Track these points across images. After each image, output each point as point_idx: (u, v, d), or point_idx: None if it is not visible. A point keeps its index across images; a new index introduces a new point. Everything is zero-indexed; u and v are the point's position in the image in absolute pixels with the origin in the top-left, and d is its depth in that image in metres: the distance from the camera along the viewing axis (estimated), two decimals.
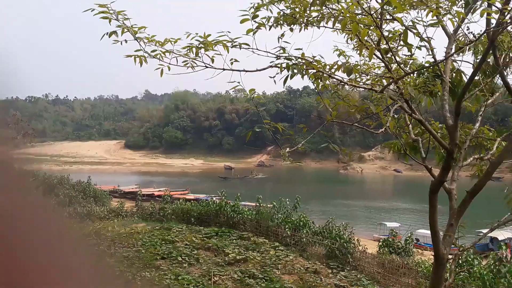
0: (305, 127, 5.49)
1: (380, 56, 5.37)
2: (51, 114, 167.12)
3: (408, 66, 5.89)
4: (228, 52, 4.98)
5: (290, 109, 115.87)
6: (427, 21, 5.26)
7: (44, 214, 0.54)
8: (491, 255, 16.96)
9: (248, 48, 5.02)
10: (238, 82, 4.93)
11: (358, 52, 5.71)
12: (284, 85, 5.45)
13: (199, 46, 4.99)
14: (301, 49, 5.17)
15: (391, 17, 5.28)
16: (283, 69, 5.06)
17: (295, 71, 5.04)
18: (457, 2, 5.38)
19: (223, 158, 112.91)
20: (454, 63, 6.25)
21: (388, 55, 5.39)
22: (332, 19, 5.07)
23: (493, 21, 5.08)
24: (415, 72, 5.79)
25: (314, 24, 5.33)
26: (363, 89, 6.00)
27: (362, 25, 4.75)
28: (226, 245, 20.07)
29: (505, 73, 5.92)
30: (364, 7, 4.73)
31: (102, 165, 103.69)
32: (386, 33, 5.22)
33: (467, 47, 5.96)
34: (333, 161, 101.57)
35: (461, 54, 6.14)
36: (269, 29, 5.38)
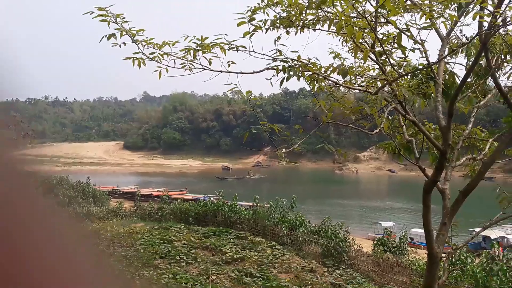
0: (301, 128, 5.55)
1: (375, 58, 5.41)
2: (50, 116, 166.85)
3: (402, 68, 5.93)
4: (225, 55, 5.04)
5: (286, 110, 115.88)
6: (421, 24, 5.32)
7: (52, 215, 0.55)
8: (484, 253, 17.13)
9: (245, 51, 5.08)
10: (235, 84, 4.99)
11: (353, 54, 5.75)
12: (280, 87, 5.51)
13: (197, 48, 5.05)
14: (297, 51, 5.23)
15: (385, 20, 5.33)
16: (279, 71, 5.12)
17: (291, 73, 5.10)
18: (450, 6, 5.45)
19: (221, 158, 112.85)
20: (447, 65, 6.31)
21: (383, 58, 5.42)
22: (328, 22, 5.09)
23: (485, 24, 5.13)
24: (409, 74, 5.83)
25: (310, 27, 5.37)
26: (358, 91, 6.05)
27: (356, 28, 4.81)
28: (223, 244, 20.15)
29: (497, 75, 5.98)
30: (359, 10, 4.79)
31: (101, 166, 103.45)
32: (380, 36, 5.26)
33: (460, 50, 6.03)
34: (329, 161, 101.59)
35: (454, 56, 6.22)
36: (266, 32, 5.43)
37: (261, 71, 5.18)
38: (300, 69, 5.19)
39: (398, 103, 5.49)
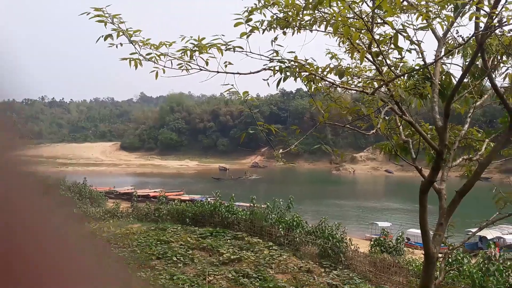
0: (298, 128, 5.55)
1: (371, 59, 5.42)
2: (47, 116, 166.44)
3: (399, 68, 5.95)
4: (222, 55, 5.05)
5: (283, 111, 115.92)
6: (417, 25, 5.35)
7: (52, 216, 0.55)
8: (480, 253, 17.18)
9: (242, 51, 5.08)
10: (232, 85, 4.99)
11: (350, 55, 5.76)
12: (277, 88, 5.50)
13: (194, 49, 5.05)
14: (294, 52, 5.23)
15: (382, 21, 5.33)
16: (276, 72, 5.12)
17: (288, 73, 5.10)
18: (446, 6, 5.46)
19: (218, 159, 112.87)
20: (444, 66, 6.34)
21: (379, 58, 5.43)
22: (324, 22, 5.10)
23: (482, 25, 5.15)
24: (406, 75, 5.85)
25: (307, 27, 5.37)
26: (354, 91, 6.07)
27: (353, 29, 4.82)
28: (220, 245, 20.14)
29: (493, 76, 6.02)
30: (355, 11, 4.79)
31: (98, 167, 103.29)
32: (377, 37, 5.27)
33: (456, 50, 6.06)
34: (326, 162, 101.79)
35: (450, 57, 6.25)
36: (263, 33, 5.43)
37: (258, 71, 5.18)
38: (297, 69, 5.19)
39: (395, 104, 5.50)
